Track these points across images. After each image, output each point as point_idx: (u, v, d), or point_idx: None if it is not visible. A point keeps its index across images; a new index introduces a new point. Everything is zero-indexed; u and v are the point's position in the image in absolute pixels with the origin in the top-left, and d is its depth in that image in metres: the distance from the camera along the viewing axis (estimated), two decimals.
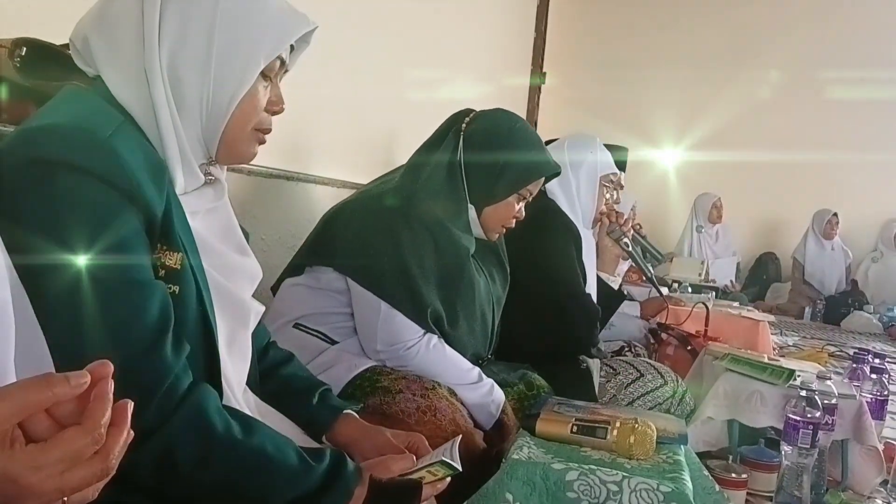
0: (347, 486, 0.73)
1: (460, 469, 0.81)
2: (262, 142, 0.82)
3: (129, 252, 0.65)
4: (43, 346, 0.56)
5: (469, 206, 1.33)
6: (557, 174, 1.46)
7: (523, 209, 1.40)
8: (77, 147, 0.65)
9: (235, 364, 0.81)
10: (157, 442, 0.64)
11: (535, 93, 4.68)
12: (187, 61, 0.72)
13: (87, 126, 0.66)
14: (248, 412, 0.79)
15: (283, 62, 0.79)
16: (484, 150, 1.33)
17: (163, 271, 0.69)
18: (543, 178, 1.42)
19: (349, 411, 0.95)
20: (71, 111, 0.69)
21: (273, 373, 0.94)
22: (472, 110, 1.39)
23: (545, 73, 4.74)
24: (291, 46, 0.80)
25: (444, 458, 0.81)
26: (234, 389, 0.80)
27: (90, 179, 0.64)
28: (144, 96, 0.71)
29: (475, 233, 1.37)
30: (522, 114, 4.46)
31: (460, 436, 0.92)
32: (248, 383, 0.85)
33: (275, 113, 0.81)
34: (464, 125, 1.35)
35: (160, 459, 0.64)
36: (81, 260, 0.63)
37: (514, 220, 1.39)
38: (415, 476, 0.82)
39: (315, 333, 1.28)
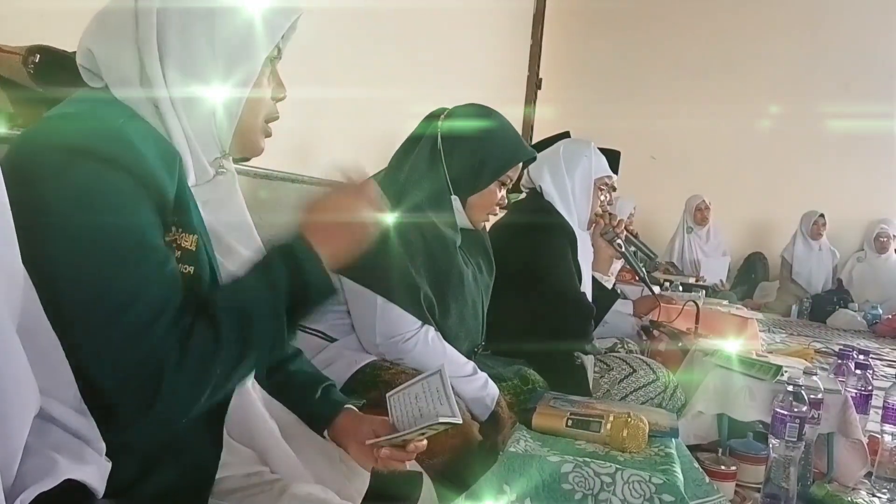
0: (302, 256, 0.73)
1: (461, 421, 0.80)
2: (269, 134, 0.84)
3: (141, 233, 0.67)
4: (57, 346, 0.58)
5: (453, 197, 1.37)
6: (534, 159, 1.50)
7: (505, 195, 1.44)
8: (91, 134, 0.67)
9: None
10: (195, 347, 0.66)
11: (531, 95, 4.71)
12: (191, 63, 0.73)
13: (99, 114, 0.69)
14: (255, 403, 0.81)
15: (279, 50, 0.80)
16: (462, 142, 1.36)
17: (178, 252, 0.71)
18: (521, 164, 1.46)
19: (350, 406, 0.96)
20: (82, 105, 0.72)
21: (279, 368, 0.95)
22: (445, 108, 1.43)
23: (541, 79, 4.78)
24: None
25: (442, 419, 0.79)
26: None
27: (104, 165, 0.66)
28: (151, 105, 0.73)
29: (461, 223, 1.40)
30: (519, 119, 4.50)
31: (444, 364, 0.91)
32: (254, 376, 0.87)
33: (279, 100, 0.83)
34: (440, 122, 1.38)
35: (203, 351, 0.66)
36: (96, 242, 0.64)
37: (498, 207, 1.44)
38: (415, 435, 0.81)
39: (313, 332, 1.30)
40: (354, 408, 0.97)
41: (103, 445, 0.61)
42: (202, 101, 0.75)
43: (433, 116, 1.41)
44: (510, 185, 1.45)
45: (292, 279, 0.72)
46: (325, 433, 0.93)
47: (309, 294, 0.73)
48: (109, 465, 0.61)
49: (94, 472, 0.58)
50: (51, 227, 0.63)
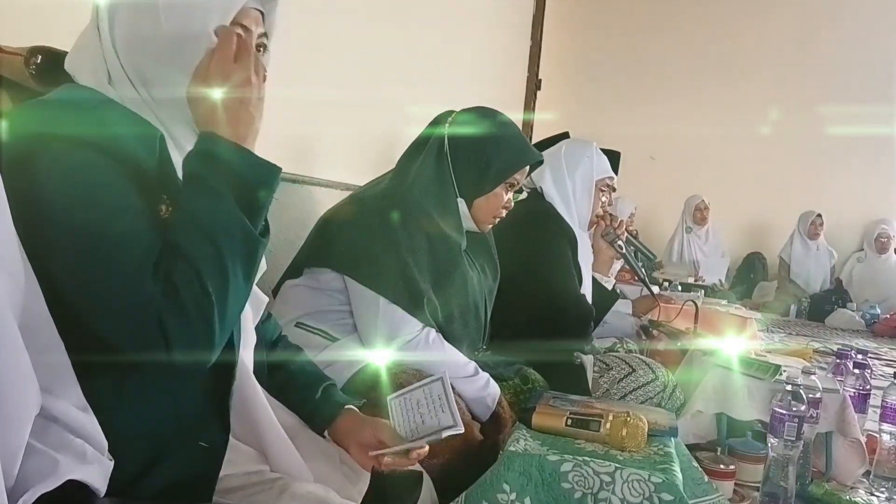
0: (214, 147, 0.72)
1: (463, 430, 0.81)
2: None
3: (110, 201, 0.67)
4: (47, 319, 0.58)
5: (459, 200, 1.37)
6: (541, 163, 1.50)
7: (512, 198, 1.44)
8: (63, 117, 0.68)
9: (245, 347, 0.82)
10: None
11: (531, 95, 4.72)
12: (144, 55, 0.73)
13: (72, 99, 0.70)
14: (261, 399, 0.82)
15: (247, 28, 0.77)
16: (469, 144, 1.37)
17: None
18: (528, 167, 1.47)
19: (351, 406, 0.96)
20: (59, 93, 0.74)
21: (280, 367, 0.95)
22: (452, 111, 1.43)
23: (541, 80, 4.78)
24: (261, 13, 0.79)
25: (446, 432, 0.81)
26: (246, 365, 0.81)
27: (72, 144, 0.66)
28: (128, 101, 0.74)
29: (467, 226, 1.40)
30: (519, 120, 4.50)
31: (445, 372, 0.92)
32: (254, 374, 0.87)
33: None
34: (447, 124, 1.39)
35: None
36: (70, 218, 0.65)
37: (505, 210, 1.44)
38: (418, 443, 0.82)
39: (316, 332, 1.30)
40: (355, 408, 0.97)
41: (105, 443, 0.61)
42: (169, 93, 0.74)
43: (440, 120, 1.42)
44: (518, 188, 1.45)
45: (219, 172, 0.70)
46: (326, 433, 0.94)
47: (243, 177, 0.71)
48: (112, 463, 0.61)
49: (96, 471, 0.58)
50: (28, 212, 0.63)
